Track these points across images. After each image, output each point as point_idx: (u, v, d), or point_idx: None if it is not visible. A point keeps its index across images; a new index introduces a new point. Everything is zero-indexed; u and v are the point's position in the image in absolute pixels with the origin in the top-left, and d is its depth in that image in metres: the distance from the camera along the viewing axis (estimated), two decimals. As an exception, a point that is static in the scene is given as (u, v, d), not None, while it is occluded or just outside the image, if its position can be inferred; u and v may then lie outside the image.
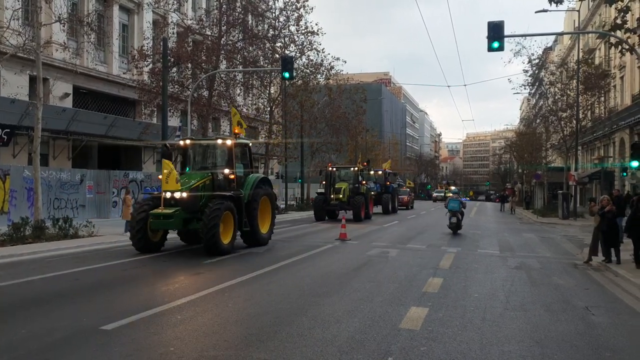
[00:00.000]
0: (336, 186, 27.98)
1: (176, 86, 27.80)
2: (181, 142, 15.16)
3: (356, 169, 29.76)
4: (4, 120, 21.33)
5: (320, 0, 47.93)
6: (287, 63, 21.55)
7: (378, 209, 33.97)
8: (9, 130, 21.71)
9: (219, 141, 14.85)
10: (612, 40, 15.89)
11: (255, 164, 43.38)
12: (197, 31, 29.56)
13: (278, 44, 32.33)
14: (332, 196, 27.52)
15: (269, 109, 34.17)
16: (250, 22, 31.70)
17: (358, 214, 26.61)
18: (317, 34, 32.10)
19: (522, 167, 58.06)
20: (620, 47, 15.30)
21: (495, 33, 16.33)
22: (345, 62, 76.28)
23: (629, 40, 16.10)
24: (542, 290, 9.79)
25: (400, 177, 70.92)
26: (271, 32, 31.76)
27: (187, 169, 14.85)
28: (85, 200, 22.89)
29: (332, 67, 34.96)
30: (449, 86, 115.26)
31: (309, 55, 32.93)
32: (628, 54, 18.22)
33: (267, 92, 34.16)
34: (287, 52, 31.11)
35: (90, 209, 23.03)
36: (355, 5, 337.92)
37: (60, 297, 8.51)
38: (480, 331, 6.84)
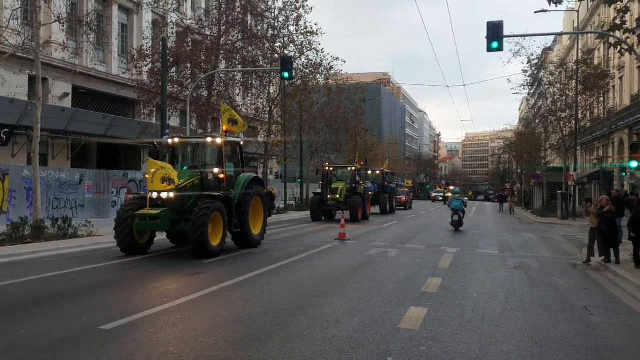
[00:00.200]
0: (333, 186, 27.65)
1: (175, 86, 27.78)
2: (170, 141, 14.72)
3: (353, 168, 29.45)
4: (3, 120, 21.31)
5: (320, 0, 47.73)
6: (286, 63, 21.55)
7: (375, 209, 33.81)
8: (8, 130, 21.69)
9: (209, 139, 14.49)
10: (611, 40, 15.88)
11: (254, 164, 43.67)
12: (197, 31, 29.56)
13: (277, 44, 32.31)
14: (328, 196, 27.21)
15: (268, 109, 34.18)
16: (249, 22, 31.69)
17: (355, 215, 26.28)
18: (317, 34, 32.13)
19: (521, 167, 58.06)
20: (619, 47, 15.28)
21: (495, 33, 16.33)
22: (345, 62, 75.58)
23: (628, 40, 16.11)
24: (541, 290, 9.79)
25: (399, 177, 70.95)
26: (270, 32, 31.76)
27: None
28: (85, 200, 22.87)
29: (331, 67, 34.99)
30: (448, 86, 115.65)
31: (308, 55, 32.97)
32: (627, 54, 18.21)
33: (267, 92, 34.16)
34: (286, 52, 31.10)
35: (90, 208, 23.02)
36: (355, 5, 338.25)
37: (60, 297, 8.51)
38: (480, 331, 6.85)
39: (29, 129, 21.11)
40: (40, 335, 6.25)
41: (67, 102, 26.17)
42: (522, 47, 37.70)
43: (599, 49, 40.77)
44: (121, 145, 29.21)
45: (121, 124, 27.65)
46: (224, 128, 15.29)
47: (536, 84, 42.14)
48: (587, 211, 14.89)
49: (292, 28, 31.66)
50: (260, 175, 36.46)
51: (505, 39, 16.91)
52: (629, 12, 15.06)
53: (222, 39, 28.52)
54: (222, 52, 28.60)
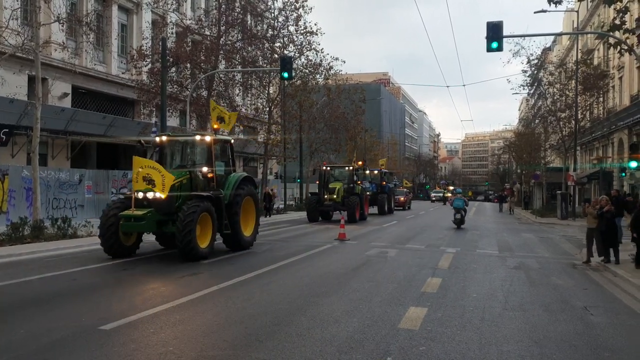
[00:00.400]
0: (330, 186, 27.24)
1: (175, 86, 27.77)
2: (157, 139, 14.06)
3: (351, 168, 29.12)
4: (2, 120, 21.30)
5: (319, 0, 47.90)
6: (286, 63, 21.54)
7: (373, 209, 33.68)
8: (7, 130, 21.69)
9: (197, 137, 14.07)
10: (611, 40, 15.87)
11: (254, 164, 43.66)
12: (196, 31, 29.55)
13: (277, 44, 32.30)
14: (325, 196, 26.82)
15: (267, 109, 34.17)
16: (249, 22, 31.68)
17: (352, 215, 25.88)
18: (316, 34, 32.08)
19: (521, 167, 58.04)
20: (619, 47, 15.27)
21: (494, 33, 16.33)
22: (344, 62, 75.81)
23: (627, 40, 16.10)
24: (541, 290, 9.79)
25: (398, 177, 70.88)
26: (270, 32, 31.75)
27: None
28: (84, 200, 22.86)
29: (331, 67, 34.93)
30: (447, 86, 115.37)
31: (307, 55, 32.91)
32: (627, 54, 18.21)
33: (266, 92, 34.13)
34: (286, 52, 31.08)
35: (89, 208, 22.99)
36: (355, 5, 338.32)
37: (59, 297, 8.51)
38: (479, 331, 6.85)
39: (29, 129, 21.09)
40: (40, 335, 6.24)
41: (67, 102, 26.16)
42: (522, 47, 37.76)
43: (598, 49, 40.77)
44: (121, 145, 29.18)
45: (121, 124, 27.61)
46: (214, 126, 15.01)
47: (536, 84, 42.16)
48: (585, 212, 14.89)
49: (291, 28, 31.68)
50: (260, 175, 36.55)
51: (505, 39, 16.89)
52: (628, 12, 15.05)
53: (222, 39, 28.52)
54: (221, 52, 28.60)
